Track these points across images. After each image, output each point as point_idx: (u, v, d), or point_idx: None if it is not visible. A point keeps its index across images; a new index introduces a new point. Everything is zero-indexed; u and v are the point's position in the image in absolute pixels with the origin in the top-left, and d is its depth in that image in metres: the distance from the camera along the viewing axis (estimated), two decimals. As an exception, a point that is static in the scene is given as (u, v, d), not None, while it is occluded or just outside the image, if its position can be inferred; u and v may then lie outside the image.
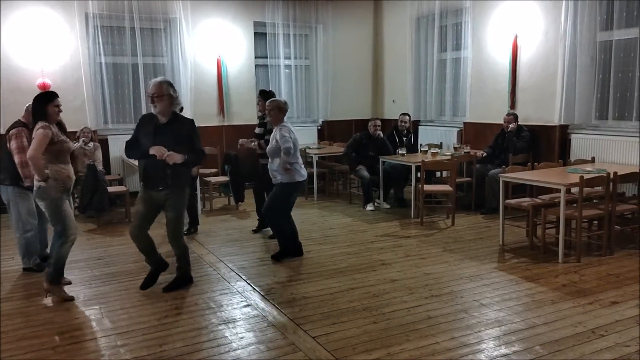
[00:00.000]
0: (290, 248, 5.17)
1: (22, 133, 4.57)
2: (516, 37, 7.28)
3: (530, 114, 7.17)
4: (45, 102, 4.17)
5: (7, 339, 3.55)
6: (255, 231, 6.21)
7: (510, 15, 7.39)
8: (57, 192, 4.13)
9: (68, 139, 4.29)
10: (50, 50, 7.54)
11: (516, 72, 7.33)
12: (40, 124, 4.08)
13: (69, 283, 4.50)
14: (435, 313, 3.87)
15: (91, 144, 7.06)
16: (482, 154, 7.20)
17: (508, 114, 7.04)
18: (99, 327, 3.73)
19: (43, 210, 4.28)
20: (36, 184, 4.16)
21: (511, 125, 6.91)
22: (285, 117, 5.11)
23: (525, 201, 5.72)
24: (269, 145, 5.05)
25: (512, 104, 7.38)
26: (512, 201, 5.73)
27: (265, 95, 5.85)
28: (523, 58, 7.27)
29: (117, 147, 7.94)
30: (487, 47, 7.77)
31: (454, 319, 3.78)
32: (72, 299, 4.21)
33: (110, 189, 6.84)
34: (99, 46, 7.86)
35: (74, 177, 4.36)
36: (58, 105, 4.22)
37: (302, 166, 5.14)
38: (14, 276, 4.81)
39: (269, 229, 6.02)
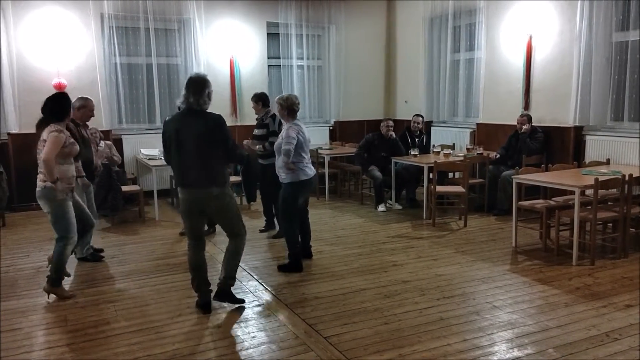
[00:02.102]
0: (299, 261, 4.95)
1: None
2: (530, 37, 7.23)
3: (544, 115, 7.12)
4: (66, 104, 4.30)
5: (21, 336, 3.60)
6: (262, 231, 6.25)
7: (524, 16, 7.34)
8: (63, 194, 4.14)
9: (76, 142, 4.35)
10: (66, 50, 7.63)
11: (530, 72, 7.28)
12: (54, 127, 4.13)
13: (68, 276, 4.53)
14: (447, 315, 3.86)
15: (102, 144, 7.12)
16: (495, 156, 7.16)
17: (521, 115, 6.99)
18: (113, 325, 3.76)
19: (46, 211, 4.24)
20: (41, 184, 4.15)
21: (524, 127, 6.86)
22: (295, 115, 4.94)
23: (539, 203, 5.68)
24: (276, 142, 4.97)
25: (526, 105, 7.33)
26: (526, 203, 5.69)
27: (257, 97, 6.03)
28: (537, 58, 7.21)
29: (131, 146, 8.03)
30: (501, 48, 7.72)
31: (466, 320, 3.76)
32: (72, 296, 4.26)
33: (125, 188, 6.90)
34: (114, 47, 7.94)
35: (75, 175, 4.39)
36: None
37: (309, 165, 4.95)
38: (29, 274, 4.87)
39: (276, 230, 6.05)
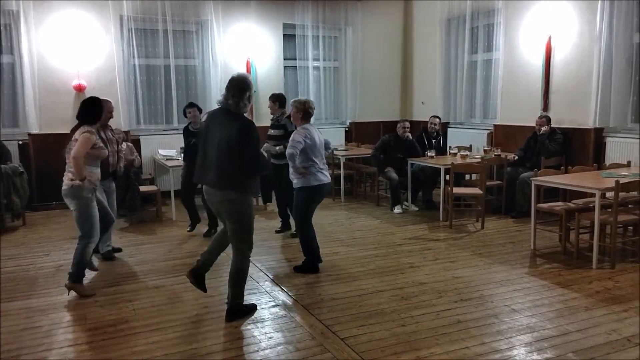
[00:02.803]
0: (315, 262, 4.94)
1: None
2: (550, 38, 7.14)
3: (563, 117, 7.03)
4: (99, 108, 4.52)
5: (41, 334, 3.65)
6: (278, 231, 6.26)
7: (543, 16, 7.26)
8: (88, 192, 4.30)
9: (104, 147, 4.57)
10: (86, 52, 7.74)
11: (549, 73, 7.20)
12: (86, 128, 4.32)
13: (95, 270, 4.87)
14: (465, 317, 3.82)
15: (124, 145, 7.20)
16: (514, 157, 7.09)
17: (540, 117, 6.92)
18: (131, 323, 3.80)
19: (72, 209, 4.38)
20: (68, 183, 4.30)
21: (543, 128, 6.78)
22: (309, 119, 4.89)
23: (558, 205, 5.60)
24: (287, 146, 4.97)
25: (545, 106, 7.24)
26: (545, 205, 5.63)
27: (274, 98, 6.09)
28: (557, 59, 7.13)
29: (149, 147, 8.10)
30: (520, 49, 7.65)
31: (484, 323, 3.73)
32: (92, 295, 4.34)
33: (142, 188, 6.97)
34: (132, 48, 8.02)
35: (99, 178, 4.55)
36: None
37: (322, 171, 4.82)
38: (49, 272, 4.94)
39: (292, 230, 6.06)
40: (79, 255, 4.30)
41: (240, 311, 3.88)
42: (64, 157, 4.46)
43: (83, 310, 4.07)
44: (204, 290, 4.08)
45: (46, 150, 7.53)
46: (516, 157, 7.06)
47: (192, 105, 6.15)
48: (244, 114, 3.76)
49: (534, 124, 6.97)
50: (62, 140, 7.30)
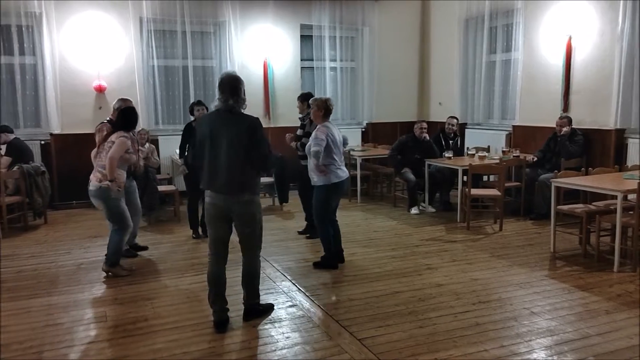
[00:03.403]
0: (333, 259, 5.02)
1: (103, 128, 5.09)
2: (570, 38, 7.05)
3: (584, 117, 6.93)
4: (136, 117, 4.88)
5: (62, 331, 3.71)
6: (301, 232, 6.26)
7: (564, 16, 7.17)
8: (115, 193, 4.53)
9: (134, 152, 4.80)
10: (106, 53, 7.84)
11: (570, 74, 7.10)
12: (122, 133, 4.66)
13: (146, 248, 5.54)
14: (483, 320, 3.79)
15: (147, 145, 7.28)
16: (533, 159, 7.01)
17: (561, 117, 6.83)
18: (151, 322, 3.84)
19: (100, 208, 4.67)
20: (96, 184, 4.55)
21: (564, 129, 6.70)
22: (329, 117, 4.98)
23: (579, 207, 5.53)
24: (307, 144, 5.00)
25: (565, 107, 7.15)
26: (565, 207, 5.55)
27: (303, 97, 6.04)
28: (577, 59, 7.03)
29: (167, 147, 8.17)
30: (540, 49, 7.56)
31: (503, 326, 3.69)
32: (129, 273, 4.80)
33: (160, 188, 7.04)
34: (151, 49, 8.11)
35: (124, 181, 4.77)
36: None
37: (341, 167, 4.93)
38: (70, 270, 5.02)
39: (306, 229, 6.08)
40: (115, 245, 4.70)
41: (257, 311, 3.89)
42: (91, 159, 4.75)
43: (103, 307, 4.12)
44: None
45: (67, 150, 7.66)
46: (535, 159, 6.99)
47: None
48: (244, 112, 3.70)
49: (553, 125, 6.88)
50: (82, 140, 7.49)
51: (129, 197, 5.10)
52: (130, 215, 4.86)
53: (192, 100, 8.37)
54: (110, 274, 4.76)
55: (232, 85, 3.61)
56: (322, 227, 4.98)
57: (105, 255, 4.81)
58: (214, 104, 3.69)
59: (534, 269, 4.92)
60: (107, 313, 4.01)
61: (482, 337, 3.52)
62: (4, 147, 6.73)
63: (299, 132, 6.07)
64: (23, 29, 7.44)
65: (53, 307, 4.12)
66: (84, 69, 7.75)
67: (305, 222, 6.25)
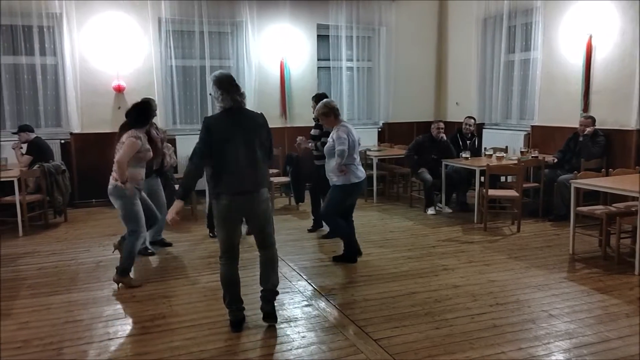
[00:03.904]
0: (353, 254, 5.10)
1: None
2: (590, 37, 6.95)
3: (604, 117, 6.82)
4: (150, 111, 4.75)
5: (82, 328, 3.76)
6: (310, 230, 6.29)
7: (584, 15, 7.07)
8: (131, 192, 4.48)
9: (149, 149, 4.69)
10: (126, 53, 7.93)
11: (590, 73, 7.00)
12: (132, 133, 4.48)
13: (170, 244, 5.62)
14: (500, 322, 3.76)
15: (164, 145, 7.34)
16: (553, 160, 6.92)
17: (585, 117, 6.72)
18: (168, 319, 3.88)
19: (116, 207, 4.61)
20: (113, 182, 4.53)
21: (588, 129, 6.60)
22: (340, 116, 5.03)
23: (598, 209, 5.45)
24: (327, 144, 5.03)
25: (586, 107, 7.05)
26: (584, 208, 5.48)
27: (317, 97, 6.03)
28: (598, 59, 6.93)
29: (184, 146, 8.22)
30: (559, 48, 7.47)
31: (520, 329, 3.66)
32: (139, 285, 4.54)
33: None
34: (169, 50, 8.19)
35: (143, 178, 4.72)
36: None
37: (360, 168, 5.00)
38: (90, 267, 5.09)
39: (323, 228, 6.10)
40: (129, 250, 4.53)
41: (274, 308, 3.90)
42: (110, 157, 4.69)
43: (122, 305, 4.18)
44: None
45: (87, 149, 7.77)
46: (555, 160, 6.90)
47: None
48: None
49: (573, 125, 6.79)
50: (102, 139, 7.60)
51: (153, 195, 5.26)
52: (149, 214, 4.86)
53: (209, 101, 8.47)
54: (120, 284, 4.52)
55: (233, 82, 3.60)
56: (332, 222, 5.04)
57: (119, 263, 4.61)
58: (218, 104, 3.59)
59: (553, 271, 4.86)
60: (126, 310, 4.06)
61: (499, 339, 3.49)
62: (25, 146, 6.85)
63: (313, 132, 6.08)
64: (44, 29, 7.56)
65: (73, 304, 4.19)
66: (104, 69, 7.85)
67: (313, 219, 6.37)
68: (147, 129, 4.80)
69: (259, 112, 3.74)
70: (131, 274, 4.63)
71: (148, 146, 4.70)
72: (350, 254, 5.08)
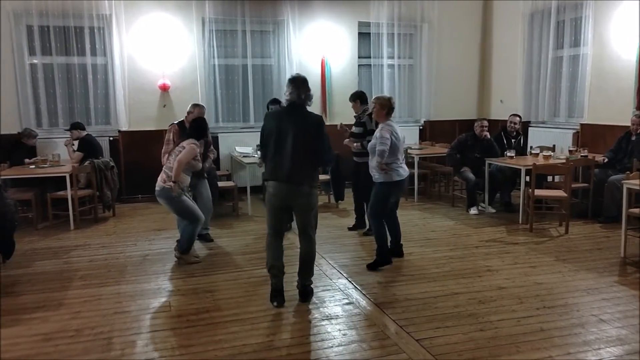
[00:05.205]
0: (387, 255, 5.00)
1: (172, 128, 5.69)
2: (645, 31, 6.67)
3: (659, 116, 6.53)
4: (206, 128, 5.25)
5: (130, 319, 3.88)
6: (351, 228, 6.27)
7: (637, 9, 6.77)
8: (176, 192, 4.80)
9: (200, 161, 5.13)
10: (171, 53, 8.12)
11: (644, 69, 6.72)
12: (193, 141, 4.98)
13: (212, 241, 5.86)
14: (548, 325, 3.66)
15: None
16: (603, 159, 6.67)
17: (638, 115, 6.45)
18: (212, 313, 3.95)
19: (166, 208, 5.05)
20: (160, 184, 4.88)
21: (641, 128, 6.34)
22: (391, 115, 4.94)
23: (652, 211, 5.22)
24: (370, 142, 5.00)
25: (639, 104, 6.76)
26: (636, 210, 5.26)
27: (355, 96, 6.13)
28: (653, 54, 6.64)
29: (226, 144, 8.38)
30: (611, 43, 7.19)
31: (569, 333, 3.55)
32: (198, 261, 5.13)
33: (220, 184, 7.22)
34: (213, 49, 8.34)
35: (187, 184, 5.08)
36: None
37: (403, 165, 4.94)
38: (137, 261, 5.24)
39: (366, 228, 6.07)
40: (189, 233, 5.03)
41: (311, 290, 4.20)
42: (155, 154, 5.02)
43: (167, 298, 4.28)
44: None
45: (134, 146, 8.01)
46: (606, 160, 6.65)
47: (276, 101, 6.26)
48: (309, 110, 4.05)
49: (625, 123, 6.53)
50: (147, 137, 7.81)
51: (199, 194, 5.57)
52: (201, 208, 5.20)
53: (251, 99, 8.61)
54: (181, 260, 5.08)
55: (304, 82, 3.98)
56: (376, 223, 4.95)
57: (177, 241, 5.17)
58: (285, 97, 4.00)
59: (603, 274, 4.69)
60: (171, 303, 4.16)
61: (546, 343, 3.39)
62: (76, 142, 7.12)
63: (355, 129, 6.06)
64: (95, 30, 7.83)
65: (122, 295, 4.32)
66: (150, 68, 8.06)
67: (355, 218, 6.32)
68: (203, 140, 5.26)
69: (318, 115, 4.08)
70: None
71: (199, 158, 5.08)
72: (383, 258, 4.94)
